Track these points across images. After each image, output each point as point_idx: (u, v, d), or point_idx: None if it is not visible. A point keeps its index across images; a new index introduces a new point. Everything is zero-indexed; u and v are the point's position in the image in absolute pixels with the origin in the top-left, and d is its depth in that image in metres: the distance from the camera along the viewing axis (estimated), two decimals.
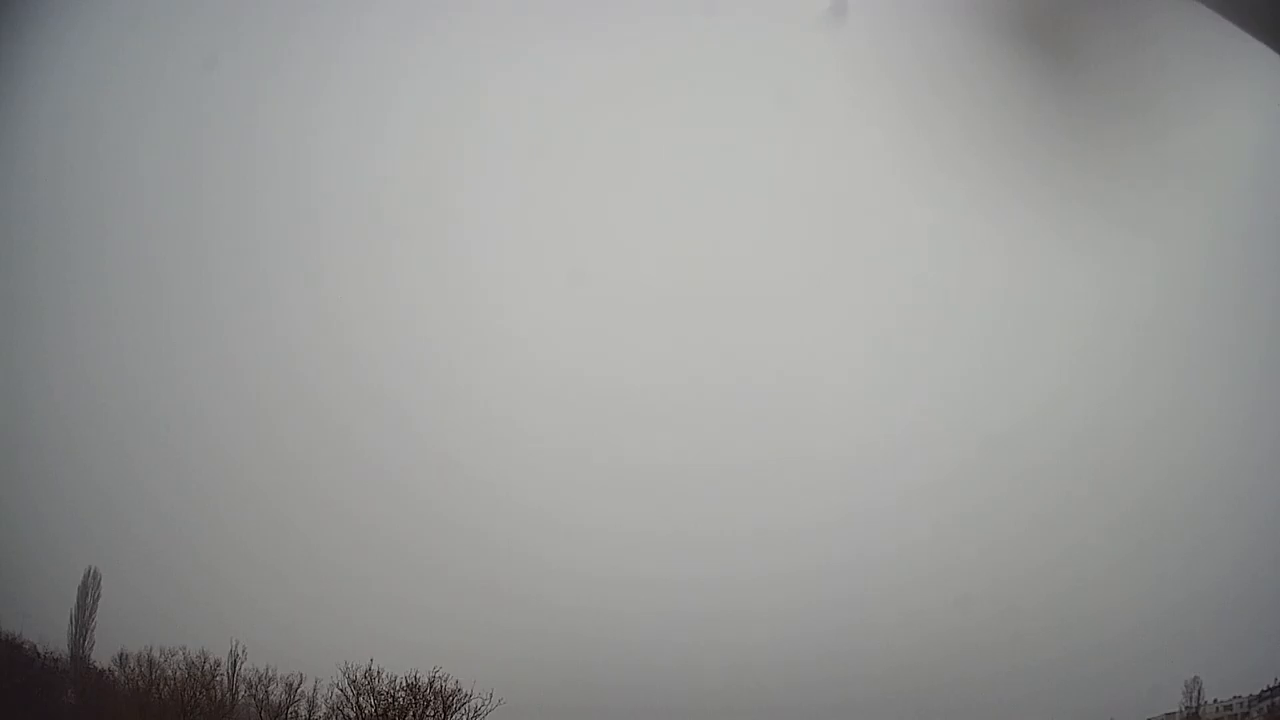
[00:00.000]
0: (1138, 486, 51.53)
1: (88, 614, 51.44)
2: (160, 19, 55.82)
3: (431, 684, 50.54)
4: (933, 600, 49.41)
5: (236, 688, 50.17)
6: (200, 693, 49.40)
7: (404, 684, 50.45)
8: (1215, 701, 52.43)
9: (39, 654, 50.12)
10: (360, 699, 50.21)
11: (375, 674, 50.16)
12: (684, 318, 55.74)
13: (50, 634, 49.95)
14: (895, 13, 48.53)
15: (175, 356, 56.58)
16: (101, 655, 51.28)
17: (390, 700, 50.39)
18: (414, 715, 50.66)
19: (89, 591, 51.57)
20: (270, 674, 50.25)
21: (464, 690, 50.40)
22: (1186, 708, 51.76)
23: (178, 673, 49.67)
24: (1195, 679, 51.55)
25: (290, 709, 50.69)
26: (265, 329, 56.43)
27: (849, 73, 49.68)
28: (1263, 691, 52.44)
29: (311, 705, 50.97)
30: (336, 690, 50.30)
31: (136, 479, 53.96)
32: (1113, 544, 51.19)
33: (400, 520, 53.51)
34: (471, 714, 50.66)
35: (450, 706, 50.77)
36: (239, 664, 49.98)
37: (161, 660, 49.67)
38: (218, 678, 50.01)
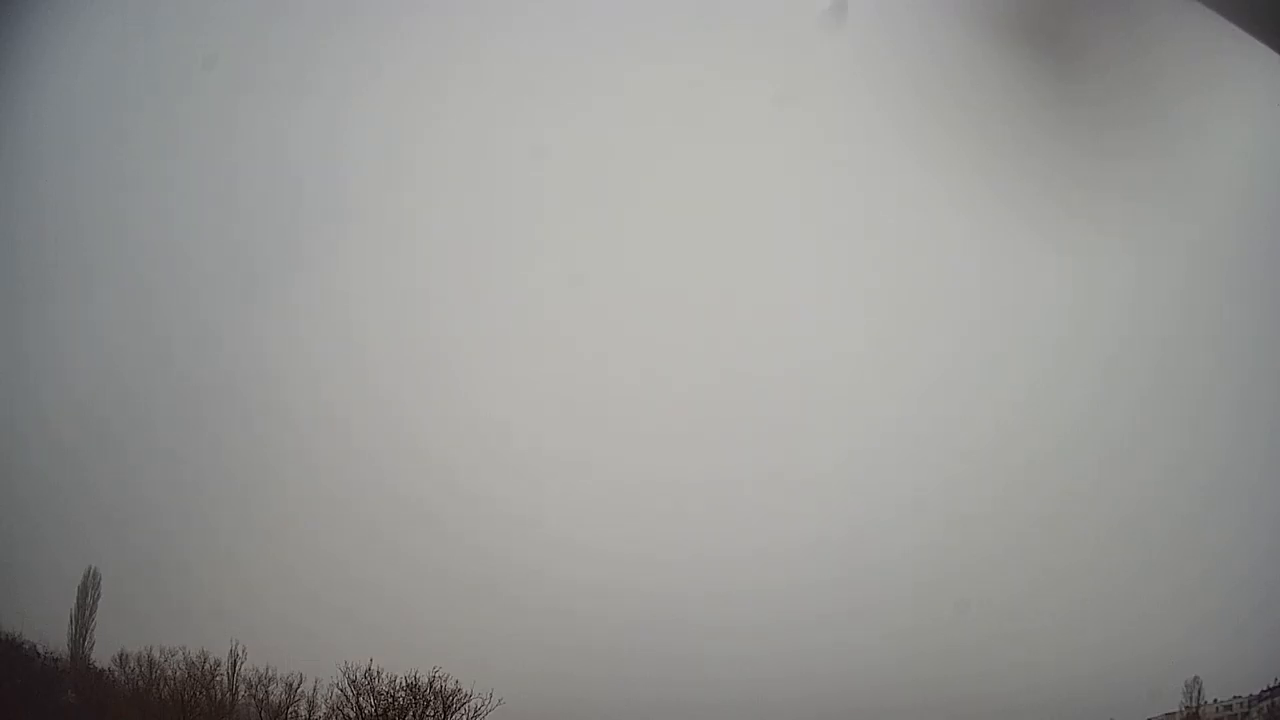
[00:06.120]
0: (1136, 487, 51.57)
1: (88, 614, 51.45)
2: (153, 18, 55.87)
3: (431, 684, 50.55)
4: (932, 604, 49.41)
5: (236, 688, 50.13)
6: (200, 693, 49.34)
7: (404, 684, 50.47)
8: (1215, 701, 52.41)
9: (39, 654, 50.15)
10: (360, 699, 50.21)
11: (375, 674, 50.18)
12: (681, 325, 55.83)
13: (50, 634, 50.06)
14: (894, 16, 48.57)
15: (174, 357, 56.64)
16: (101, 655, 51.33)
17: (390, 700, 50.38)
18: (414, 715, 50.65)
19: (89, 591, 51.58)
20: (270, 674, 50.23)
21: (464, 690, 50.47)
22: (1186, 708, 51.73)
23: (178, 673, 49.66)
24: (1195, 679, 51.58)
25: (290, 709, 50.67)
26: (262, 330, 56.44)
27: (848, 76, 49.71)
28: (1263, 691, 52.42)
29: (311, 705, 50.98)
30: (336, 690, 50.31)
31: (136, 479, 53.98)
32: (1111, 544, 51.22)
33: (400, 521, 53.59)
34: (471, 714, 50.74)
35: (450, 706, 50.76)
36: (239, 664, 49.98)
37: (161, 660, 49.69)
38: (218, 678, 49.97)
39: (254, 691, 50.24)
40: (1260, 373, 50.66)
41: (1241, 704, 53.00)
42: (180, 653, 49.43)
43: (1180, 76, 31.87)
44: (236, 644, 49.78)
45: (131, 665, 50.33)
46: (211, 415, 55.80)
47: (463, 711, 50.73)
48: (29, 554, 49.93)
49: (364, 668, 49.96)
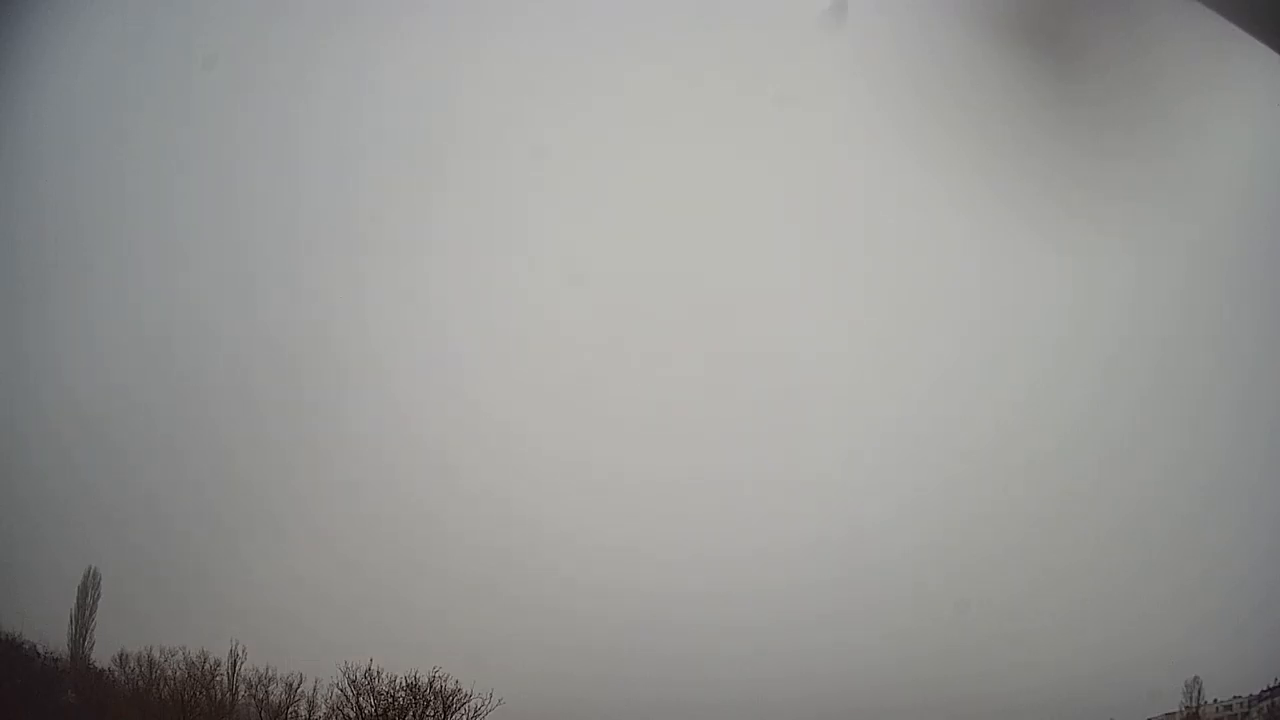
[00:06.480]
0: (1136, 487, 51.59)
1: (88, 614, 51.44)
2: (153, 18, 55.86)
3: (431, 684, 50.57)
4: (932, 604, 49.41)
5: (236, 688, 50.15)
6: (200, 693, 49.35)
7: (404, 684, 50.49)
8: (1215, 701, 52.43)
9: (39, 654, 50.14)
10: (360, 699, 50.22)
11: (375, 674, 50.20)
12: (681, 325, 55.86)
13: (50, 634, 50.05)
14: (894, 16, 48.57)
15: (174, 357, 56.61)
16: (101, 655, 51.33)
17: (390, 700, 50.39)
18: (414, 715, 50.66)
19: (89, 591, 51.57)
20: (270, 674, 50.27)
21: (464, 690, 50.47)
22: (1186, 708, 51.75)
23: (178, 673, 49.67)
24: (1195, 679, 51.61)
25: (290, 709, 50.68)
26: (263, 329, 56.43)
27: (848, 76, 49.72)
28: (1263, 691, 52.44)
29: (311, 705, 50.99)
30: (336, 690, 50.32)
31: (136, 479, 53.98)
32: (1111, 544, 51.22)
33: (400, 521, 53.57)
34: (471, 714, 50.75)
35: (450, 706, 50.78)
36: (239, 664, 50.00)
37: (161, 660, 49.69)
38: (218, 678, 49.99)
39: (254, 691, 50.30)
40: (1260, 373, 50.68)
41: (1241, 704, 53.01)
42: (180, 653, 49.55)
43: (1180, 76, 31.86)
44: (236, 644, 49.91)
45: (131, 665, 50.41)
46: (211, 415, 55.88)
47: (463, 711, 50.80)
48: (29, 554, 49.93)
49: (364, 668, 50.08)
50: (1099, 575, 50.50)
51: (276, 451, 54.78)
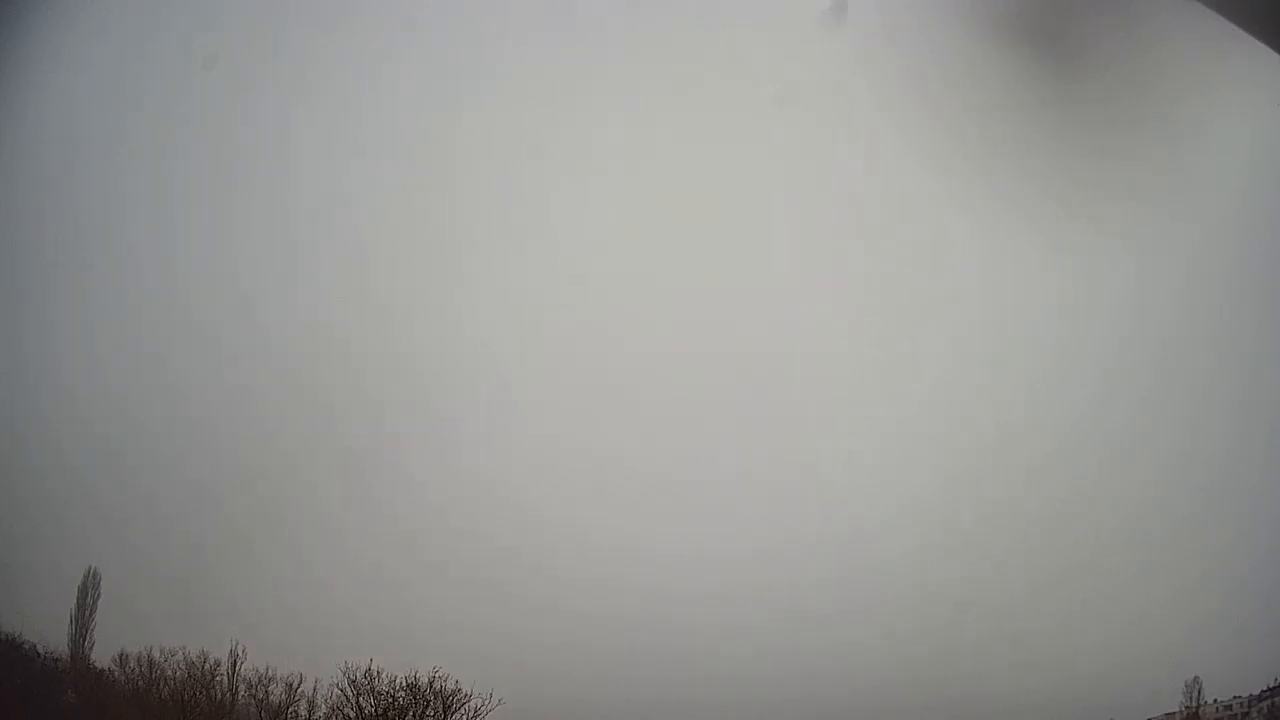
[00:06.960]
0: (1136, 487, 51.60)
1: (88, 614, 51.45)
2: (153, 18, 55.86)
3: (431, 684, 50.59)
4: (932, 604, 49.42)
5: (236, 688, 50.17)
6: (200, 693, 49.37)
7: (404, 684, 50.51)
8: (1215, 701, 52.44)
9: (39, 654, 50.16)
10: (360, 699, 50.23)
11: (375, 674, 50.22)
12: (680, 325, 55.90)
13: (50, 634, 50.06)
14: (894, 16, 48.58)
15: (173, 357, 56.66)
16: (101, 655, 51.36)
17: (390, 700, 50.41)
18: (414, 715, 50.67)
19: (89, 591, 51.58)
20: (270, 674, 50.28)
21: (464, 690, 50.48)
22: (1186, 708, 51.76)
23: (178, 673, 49.72)
24: (1195, 679, 51.62)
25: (290, 709, 50.69)
26: (261, 328, 56.46)
27: (848, 76, 49.74)
28: (1263, 691, 52.44)
29: (311, 705, 51.00)
30: (336, 690, 50.35)
31: (136, 479, 53.99)
32: (1111, 544, 51.23)
33: (401, 520, 53.61)
34: (471, 714, 50.76)
35: (450, 706, 50.79)
36: (239, 664, 50.03)
37: (161, 660, 49.74)
38: (218, 678, 50.02)
39: (254, 691, 50.31)
40: (1260, 373, 50.70)
41: (1241, 704, 53.02)
42: (180, 653, 49.59)
43: (1180, 76, 31.86)
44: (236, 644, 49.95)
45: (131, 665, 50.44)
46: (211, 415, 55.84)
47: (463, 711, 50.82)
48: (29, 554, 49.94)
49: (364, 668, 50.10)
50: (1099, 575, 50.53)
51: (275, 451, 54.80)
